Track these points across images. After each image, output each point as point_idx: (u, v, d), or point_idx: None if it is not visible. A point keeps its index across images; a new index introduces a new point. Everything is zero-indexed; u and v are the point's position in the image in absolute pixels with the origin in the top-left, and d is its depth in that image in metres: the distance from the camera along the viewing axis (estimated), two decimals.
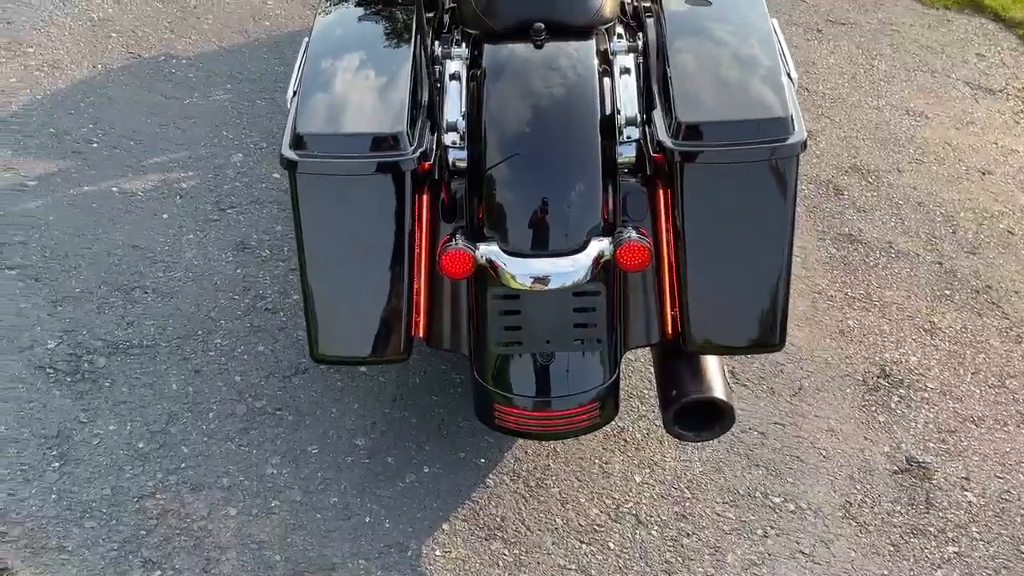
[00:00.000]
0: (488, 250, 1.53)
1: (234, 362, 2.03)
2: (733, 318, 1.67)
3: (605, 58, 1.73)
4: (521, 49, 1.67)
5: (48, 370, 1.93)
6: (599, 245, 1.54)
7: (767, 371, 2.32)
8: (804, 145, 1.56)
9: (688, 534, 1.91)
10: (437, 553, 1.78)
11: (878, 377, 2.36)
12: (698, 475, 2.03)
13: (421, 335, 1.66)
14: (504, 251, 1.53)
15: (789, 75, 1.68)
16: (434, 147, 1.61)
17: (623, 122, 1.59)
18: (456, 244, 1.51)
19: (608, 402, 1.67)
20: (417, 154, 1.53)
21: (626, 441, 2.07)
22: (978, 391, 2.37)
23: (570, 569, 1.80)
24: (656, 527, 1.91)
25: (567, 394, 1.62)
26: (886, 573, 1.91)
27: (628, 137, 1.64)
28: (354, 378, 2.07)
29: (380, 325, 1.62)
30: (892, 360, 2.42)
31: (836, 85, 3.66)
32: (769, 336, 1.66)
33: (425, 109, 1.67)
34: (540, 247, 1.55)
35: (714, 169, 1.56)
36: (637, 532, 1.89)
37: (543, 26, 1.64)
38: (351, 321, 1.63)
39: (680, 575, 1.83)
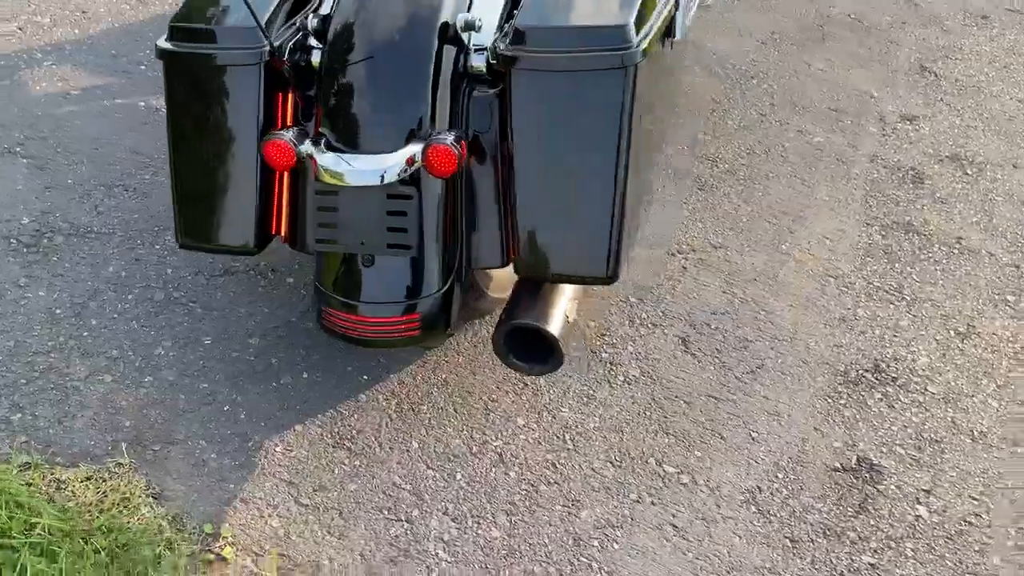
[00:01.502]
0: (310, 144, 1.58)
1: (173, 257, 2.22)
2: (559, 242, 1.63)
3: None
4: None
5: (11, 240, 2.22)
6: (413, 148, 1.54)
7: (728, 344, 2.16)
8: (642, 55, 1.48)
9: (549, 483, 1.83)
10: (278, 449, 1.85)
11: (865, 371, 2.13)
12: (590, 430, 1.94)
13: (283, 236, 1.74)
14: (323, 146, 1.58)
15: None
16: (295, 46, 1.67)
17: (461, 27, 1.57)
18: (278, 134, 1.57)
19: (435, 317, 1.66)
20: (266, 49, 1.61)
21: (525, 384, 2.01)
22: (997, 405, 2.06)
23: (403, 488, 1.80)
24: (516, 469, 1.85)
25: (382, 301, 1.63)
26: (768, 567, 1.71)
27: (477, 44, 1.62)
28: (276, 286, 2.18)
29: (230, 217, 1.73)
30: (893, 357, 2.17)
31: (976, 72, 3.32)
32: (596, 265, 1.60)
33: (301, 9, 1.75)
34: (356, 144, 1.59)
35: (539, 77, 1.53)
36: (494, 470, 1.84)
37: None
38: (206, 211, 1.75)
39: (519, 518, 1.76)
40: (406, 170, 1.54)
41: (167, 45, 1.71)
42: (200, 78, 1.70)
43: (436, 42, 1.59)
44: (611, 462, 1.88)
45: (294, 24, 1.72)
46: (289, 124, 1.71)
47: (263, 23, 1.64)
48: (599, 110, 1.51)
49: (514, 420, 1.95)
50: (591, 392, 2.03)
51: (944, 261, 2.48)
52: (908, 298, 2.35)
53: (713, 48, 3.28)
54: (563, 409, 1.98)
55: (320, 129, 1.63)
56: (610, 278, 1.61)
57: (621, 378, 2.07)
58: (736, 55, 3.26)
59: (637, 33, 1.50)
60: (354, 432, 1.89)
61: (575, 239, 1.61)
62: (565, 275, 1.65)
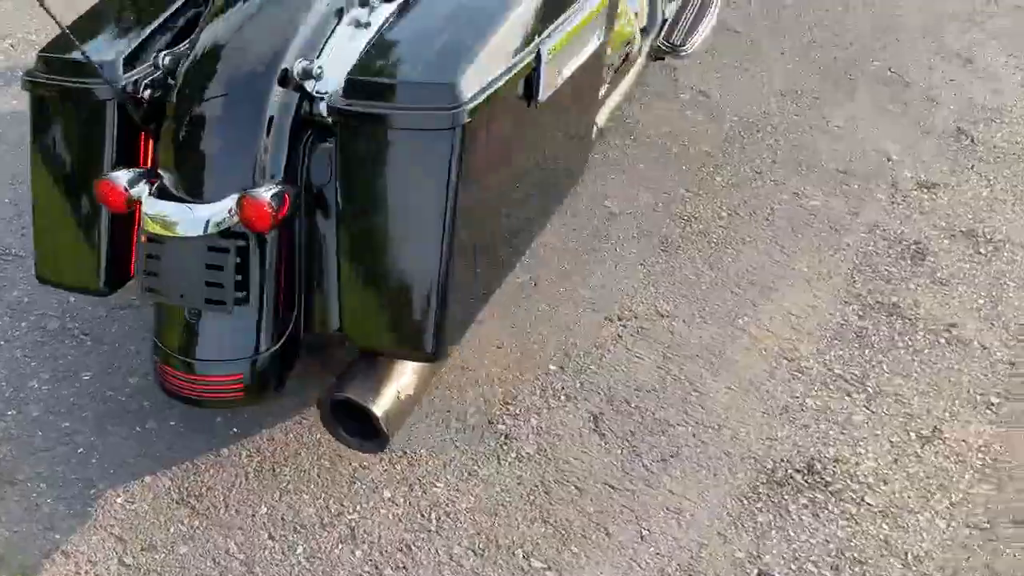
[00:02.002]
0: (141, 188, 1.50)
1: None
2: (382, 313, 1.51)
3: (360, 7, 1.60)
4: None
5: None
6: (231, 200, 1.43)
7: (645, 426, 1.97)
8: (470, 114, 1.34)
9: (396, 567, 1.67)
10: (118, 500, 1.76)
11: (796, 471, 1.90)
12: (461, 510, 1.78)
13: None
14: (155, 190, 1.49)
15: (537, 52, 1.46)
16: (152, 83, 1.60)
17: (298, 74, 1.46)
18: (111, 174, 1.50)
19: (259, 379, 1.54)
20: (119, 86, 1.55)
21: (403, 452, 1.87)
22: (944, 526, 1.81)
23: (236, 558, 1.67)
24: (365, 547, 1.70)
25: (202, 359, 1.53)
26: None
27: (318, 92, 1.50)
28: None
29: (81, 255, 1.67)
30: (833, 457, 1.93)
31: (1021, 140, 3.01)
32: (418, 342, 1.48)
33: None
34: (186, 191, 1.50)
35: (365, 133, 1.41)
36: (340, 546, 1.70)
37: None
38: (60, 247, 1.70)
39: None
40: (224, 222, 1.44)
41: (31, 76, 1.67)
42: (59, 110, 1.65)
43: (272, 89, 1.49)
44: (474, 550, 1.72)
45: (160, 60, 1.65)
46: (145, 164, 1.64)
47: (129, 54, 1.58)
48: (424, 173, 1.38)
49: (380, 492, 1.80)
50: (475, 467, 1.86)
51: (926, 351, 2.21)
52: (870, 390, 2.09)
53: (723, 95, 3.08)
54: (438, 484, 1.83)
55: (159, 171, 1.55)
56: (432, 356, 1.47)
57: (513, 454, 1.90)
58: (747, 105, 3.05)
59: (471, 92, 1.35)
60: (203, 489, 1.79)
61: (397, 312, 1.49)
62: (387, 349, 1.51)
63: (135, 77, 1.58)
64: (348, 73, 1.42)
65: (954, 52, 3.49)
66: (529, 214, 1.73)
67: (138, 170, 1.55)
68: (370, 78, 1.38)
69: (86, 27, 1.69)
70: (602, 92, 2.18)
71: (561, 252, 2.39)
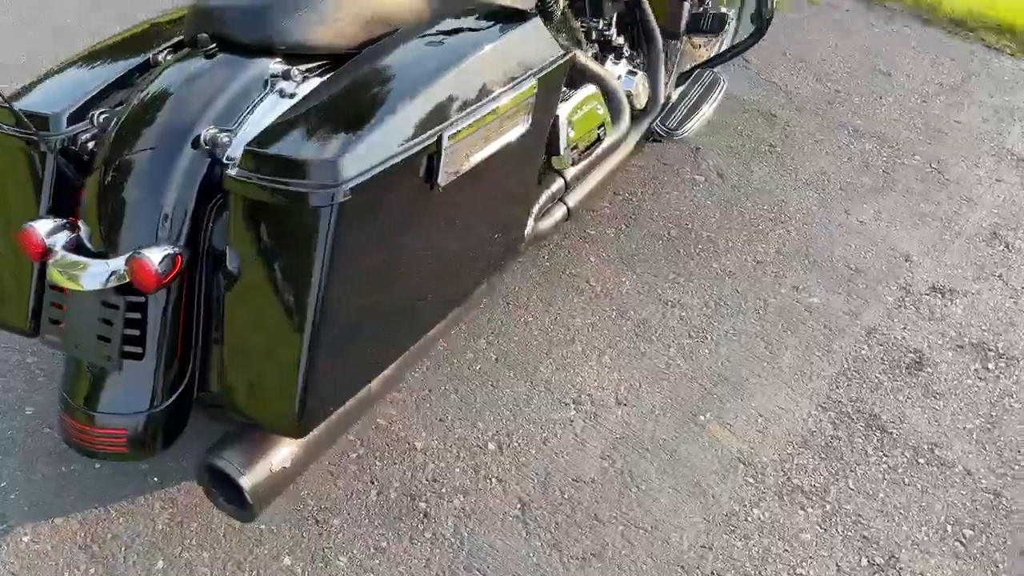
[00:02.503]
0: (56, 236, 1.54)
1: None
2: (252, 383, 1.50)
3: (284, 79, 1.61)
4: (189, 59, 1.63)
5: None
6: (122, 259, 1.46)
7: (574, 519, 1.91)
8: (348, 192, 1.33)
9: None
10: (24, 539, 1.78)
11: None
12: None
13: None
14: (66, 242, 1.53)
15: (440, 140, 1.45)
16: (91, 137, 1.65)
17: (205, 140, 1.48)
18: (32, 223, 1.54)
19: (144, 435, 1.55)
20: (58, 139, 1.60)
21: (317, 521, 1.84)
22: None
23: None
24: None
25: (90, 410, 1.55)
26: None
27: (227, 159, 1.51)
28: None
29: (11, 295, 1.71)
30: None
31: None
32: (280, 414, 1.47)
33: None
34: (92, 245, 1.53)
35: (249, 204, 1.40)
36: None
37: (207, 37, 1.60)
38: None
39: None
40: (117, 279, 1.46)
41: None
42: (8, 156, 1.70)
43: (183, 153, 1.51)
44: None
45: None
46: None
47: (76, 110, 1.63)
48: (299, 248, 1.37)
49: (281, 559, 1.78)
50: (385, 544, 1.82)
51: (900, 469, 2.06)
52: (828, 507, 1.96)
53: (742, 179, 3.00)
54: (342, 558, 1.79)
55: (78, 223, 1.59)
56: (296, 432, 1.45)
57: (429, 534, 1.84)
58: (765, 190, 2.96)
59: (353, 171, 1.34)
60: (109, 536, 1.79)
61: (264, 383, 1.48)
62: (254, 419, 1.49)
63: (74, 132, 1.63)
64: (246, 143, 1.43)
65: (1010, 151, 3.32)
66: (434, 299, 1.70)
67: (61, 221, 1.58)
68: (261, 149, 1.39)
69: (50, 80, 1.75)
70: (572, 173, 2.16)
71: (531, 327, 2.35)
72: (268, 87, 1.58)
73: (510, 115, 1.59)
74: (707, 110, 2.57)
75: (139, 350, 1.52)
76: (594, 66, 2.26)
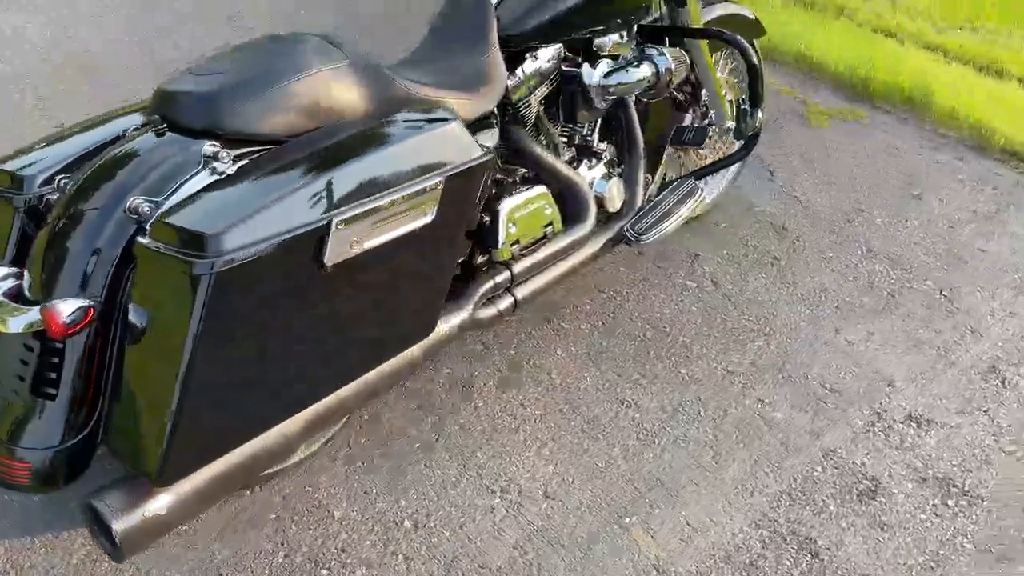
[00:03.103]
0: (3, 283, 1.69)
1: None
2: (129, 428, 1.62)
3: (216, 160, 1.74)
4: (142, 136, 1.77)
5: None
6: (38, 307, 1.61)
7: None
8: (225, 264, 1.45)
9: None
10: None
11: None
12: None
13: None
14: (6, 288, 1.69)
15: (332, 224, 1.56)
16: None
17: (129, 208, 1.63)
18: None
19: (47, 471, 1.67)
20: (26, 197, 1.77)
21: (221, 574, 1.91)
22: None
23: None
24: None
25: (7, 443, 1.67)
26: None
27: (149, 226, 1.65)
28: None
29: None
30: None
31: None
32: (147, 463, 1.58)
33: None
34: (30, 292, 1.68)
35: (142, 268, 1.54)
36: None
37: (159, 118, 1.76)
38: None
39: None
40: (33, 325, 1.59)
41: None
42: None
43: (114, 217, 1.65)
44: None
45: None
46: None
47: (50, 175, 1.79)
48: (177, 313, 1.49)
49: None
50: None
51: None
52: None
53: (735, 288, 3.00)
54: None
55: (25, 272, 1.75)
56: (159, 480, 1.56)
57: None
58: (756, 302, 2.95)
59: (234, 245, 1.46)
60: (27, 565, 1.91)
61: (138, 431, 1.60)
62: (126, 464, 1.60)
63: (40, 193, 1.80)
64: (158, 211, 1.57)
65: None
66: (326, 372, 1.79)
67: (13, 270, 1.74)
68: (165, 220, 1.52)
69: (37, 147, 1.92)
70: (522, 266, 2.23)
71: (479, 412, 2.39)
72: (202, 165, 1.72)
73: (412, 208, 1.69)
74: (677, 219, 2.61)
75: (53, 391, 1.65)
76: (560, 168, 2.35)
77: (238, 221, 1.49)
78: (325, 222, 1.56)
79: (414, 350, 1.97)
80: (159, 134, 1.76)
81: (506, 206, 2.15)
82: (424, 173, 1.71)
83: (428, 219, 1.73)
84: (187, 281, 1.47)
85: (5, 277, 1.71)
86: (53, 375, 1.65)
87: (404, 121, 1.80)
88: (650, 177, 2.73)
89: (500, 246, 2.15)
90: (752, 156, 3.79)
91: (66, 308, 1.56)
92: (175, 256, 1.47)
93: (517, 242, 2.19)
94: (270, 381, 1.67)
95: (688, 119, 2.93)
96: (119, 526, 1.57)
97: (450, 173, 1.75)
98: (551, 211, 2.26)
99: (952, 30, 5.94)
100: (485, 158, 1.82)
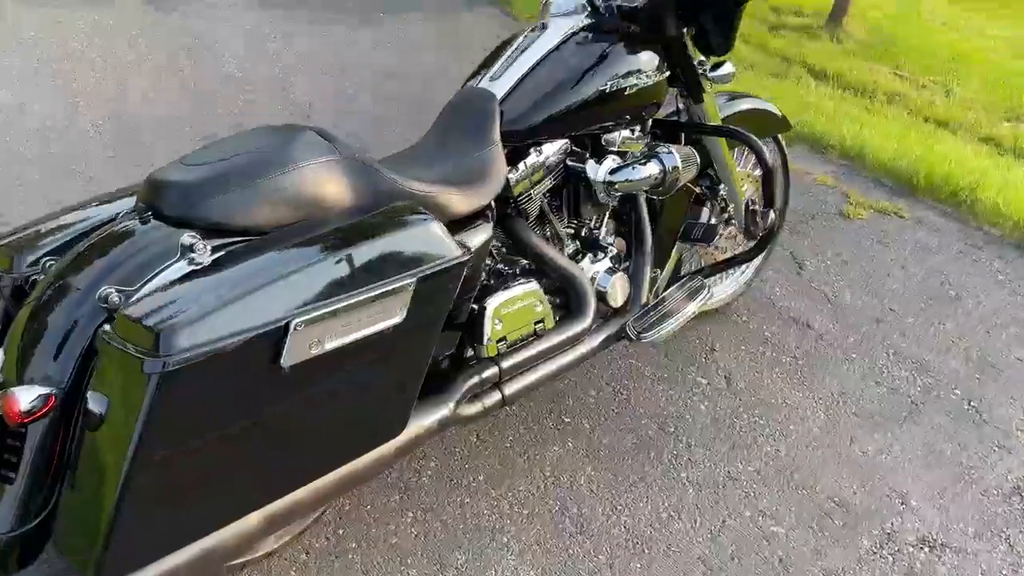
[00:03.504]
0: None
1: None
2: (70, 519, 1.59)
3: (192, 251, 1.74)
4: (127, 223, 1.78)
5: None
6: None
7: None
8: (176, 364, 1.43)
9: None
10: None
11: None
12: None
13: None
14: None
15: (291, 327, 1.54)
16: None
17: (100, 298, 1.63)
18: None
19: (5, 554, 1.65)
20: (13, 278, 1.79)
21: None
22: None
23: None
24: None
25: None
26: None
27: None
28: None
29: None
30: None
31: None
32: (81, 561, 1.55)
33: None
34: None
35: (102, 359, 1.54)
36: None
37: (144, 207, 1.76)
38: None
39: None
40: None
41: None
42: None
43: (85, 304, 1.65)
44: None
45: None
46: None
47: (38, 258, 1.82)
48: (126, 409, 1.48)
49: None
50: None
51: None
52: None
53: (748, 388, 2.90)
54: None
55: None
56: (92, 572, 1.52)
57: None
58: (767, 405, 2.85)
59: (186, 344, 1.44)
60: None
61: (80, 523, 1.56)
62: (66, 557, 1.57)
63: (28, 274, 1.82)
64: (121, 304, 1.56)
65: None
66: (285, 471, 1.74)
67: None
68: (124, 312, 1.51)
69: (32, 228, 1.93)
70: (510, 362, 2.18)
71: (464, 508, 2.32)
72: (179, 256, 1.71)
73: (380, 309, 1.66)
74: (681, 319, 2.54)
75: (12, 475, 1.64)
76: (560, 262, 2.31)
77: (194, 320, 1.47)
78: (283, 324, 1.54)
79: (386, 447, 1.92)
80: (144, 222, 1.76)
81: (493, 303, 2.11)
82: (394, 273, 1.68)
83: (397, 320, 1.70)
84: (139, 377, 1.45)
85: None
86: (13, 459, 1.64)
87: (380, 219, 1.78)
88: (659, 272, 2.67)
89: (485, 343, 2.11)
90: (781, 248, 3.72)
91: (25, 396, 1.56)
92: (128, 352, 1.46)
93: (504, 339, 2.14)
94: (223, 479, 1.63)
95: (705, 214, 2.88)
96: None
97: (422, 274, 1.72)
98: (542, 308, 2.22)
99: (1010, 121, 5.80)
100: (461, 259, 1.79)
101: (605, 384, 2.84)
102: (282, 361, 1.55)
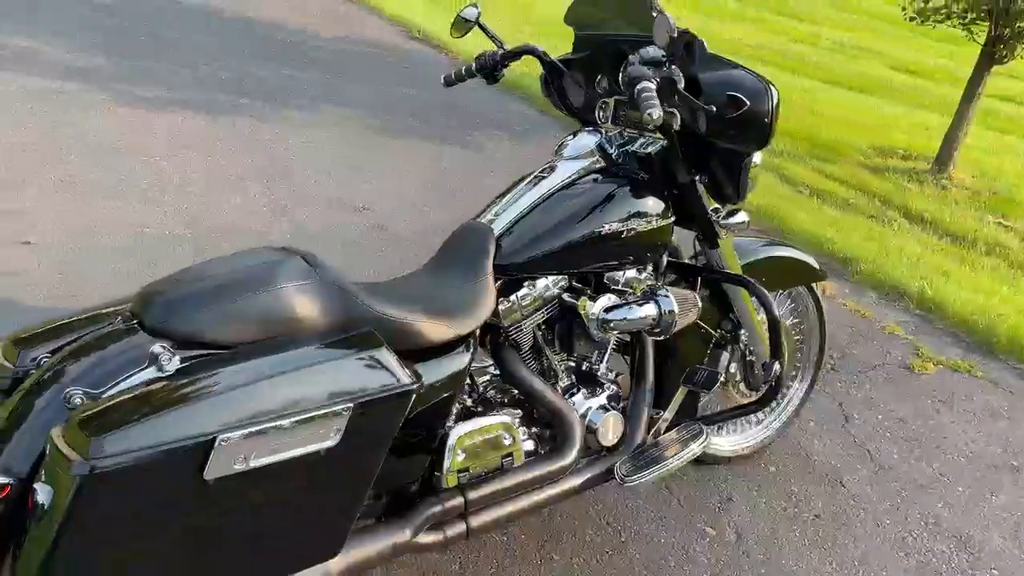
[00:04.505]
0: None
1: None
2: None
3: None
4: (112, 329, 1.88)
5: None
6: None
7: None
8: (93, 469, 1.51)
9: None
10: None
11: None
12: None
13: None
14: None
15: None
16: None
17: (65, 399, 1.71)
18: None
19: None
20: (12, 371, 1.93)
21: None
22: None
23: None
24: None
25: None
26: None
27: None
28: None
29: None
30: None
31: None
32: None
33: None
34: None
35: (49, 456, 1.61)
36: None
37: (130, 314, 1.88)
38: None
39: None
40: None
41: None
42: None
43: (54, 403, 1.74)
44: None
45: None
46: None
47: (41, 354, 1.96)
48: (55, 505, 1.55)
49: None
50: None
51: None
52: None
53: (758, 546, 2.76)
54: None
55: None
56: None
57: None
58: (777, 568, 2.69)
59: (108, 451, 1.51)
60: None
61: None
62: None
63: (27, 369, 1.95)
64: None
65: None
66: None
67: None
68: (75, 413, 1.61)
69: (47, 325, 2.09)
70: (478, 494, 2.17)
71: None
72: (147, 363, 1.82)
73: (312, 431, 1.70)
74: (670, 465, 2.45)
75: None
76: (547, 396, 2.30)
77: (126, 426, 1.56)
78: (209, 438, 1.60)
79: (328, 567, 1.93)
80: (129, 330, 1.88)
81: (456, 432, 2.12)
82: (333, 397, 1.73)
83: (330, 443, 1.73)
84: (66, 477, 1.53)
85: None
86: None
87: (333, 343, 1.84)
88: (662, 413, 2.61)
89: (445, 472, 2.11)
90: (830, 399, 3.58)
91: None
92: (62, 452, 1.55)
93: (466, 470, 2.14)
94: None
95: (724, 358, 2.81)
96: None
97: (361, 399, 1.75)
98: (510, 442, 2.21)
99: None
100: (405, 388, 1.81)
101: (606, 523, 2.76)
102: (205, 474, 1.61)
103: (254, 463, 1.65)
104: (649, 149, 2.46)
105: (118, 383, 1.78)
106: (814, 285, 3.05)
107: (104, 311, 2.04)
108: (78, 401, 1.73)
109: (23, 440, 1.75)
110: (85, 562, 1.57)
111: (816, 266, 2.96)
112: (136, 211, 4.39)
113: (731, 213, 2.56)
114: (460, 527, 2.16)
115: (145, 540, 1.63)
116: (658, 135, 2.45)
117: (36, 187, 4.44)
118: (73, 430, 1.58)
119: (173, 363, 1.75)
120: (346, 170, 5.41)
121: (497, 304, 2.26)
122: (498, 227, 2.31)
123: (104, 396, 1.72)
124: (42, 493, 1.63)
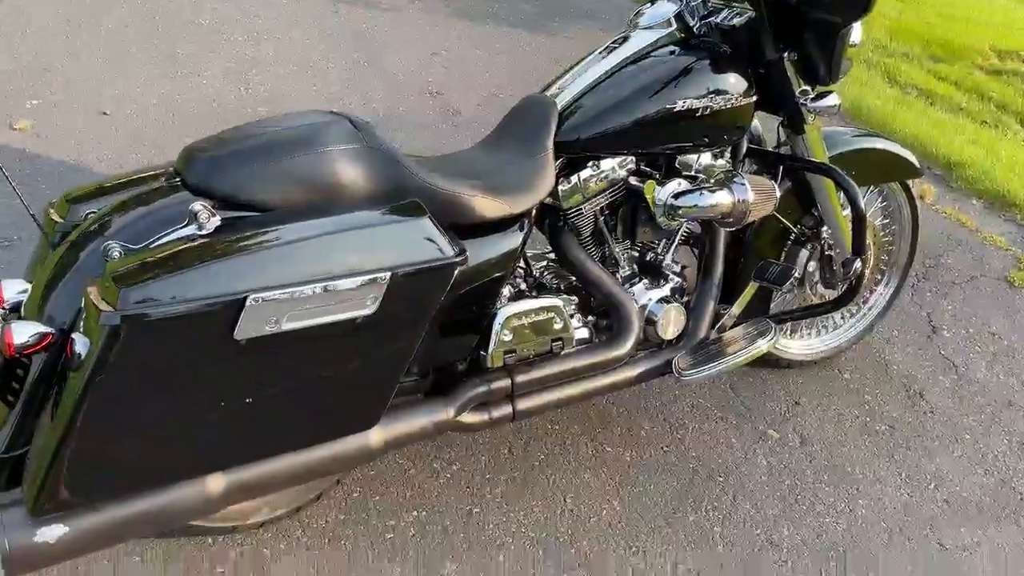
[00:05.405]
0: (13, 295, 1.83)
1: None
2: (30, 451, 1.67)
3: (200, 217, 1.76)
4: (155, 185, 1.84)
5: None
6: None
7: None
8: (125, 319, 1.47)
9: None
10: None
11: None
12: None
13: None
14: (12, 301, 1.83)
15: None
16: None
17: (104, 251, 1.69)
18: (4, 280, 1.85)
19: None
20: (59, 225, 1.88)
21: None
22: None
23: None
24: None
25: None
26: None
27: None
28: None
29: None
30: None
31: None
32: (28, 489, 1.64)
33: None
34: (21, 311, 1.81)
35: (85, 306, 1.58)
36: None
37: (173, 172, 1.84)
38: None
39: None
40: None
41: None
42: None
43: (93, 256, 1.71)
44: None
45: None
46: None
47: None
48: (88, 354, 1.52)
49: None
50: None
51: None
52: None
53: (822, 450, 2.62)
54: None
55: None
56: (33, 510, 1.61)
57: None
58: (841, 473, 2.56)
59: (138, 299, 1.47)
60: None
61: (33, 456, 1.64)
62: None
63: (76, 223, 1.90)
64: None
65: None
66: (226, 442, 1.73)
67: (26, 286, 1.88)
68: (110, 266, 1.57)
69: (99, 184, 2.03)
70: (527, 376, 2.09)
71: (469, 519, 2.24)
72: (187, 221, 1.76)
73: (348, 298, 1.62)
74: (730, 361, 2.31)
75: (13, 399, 1.75)
76: (605, 284, 2.19)
77: (158, 280, 1.51)
78: (240, 297, 1.54)
79: (369, 437, 1.89)
80: (172, 187, 1.84)
81: (505, 312, 2.02)
82: (368, 265, 1.64)
83: (367, 312, 1.66)
84: (97, 328, 1.50)
85: (21, 292, 1.86)
86: (16, 386, 1.75)
87: (375, 210, 1.74)
88: (729, 308, 2.47)
89: (491, 351, 2.03)
90: (918, 308, 3.36)
91: (21, 332, 1.65)
92: (93, 302, 1.52)
93: (513, 351, 2.05)
94: (172, 437, 1.65)
95: (803, 256, 2.63)
96: (6, 543, 1.62)
97: (401, 270, 1.67)
98: (561, 326, 2.10)
99: None
100: (448, 260, 1.72)
101: (662, 420, 2.66)
102: (236, 333, 1.55)
103: (287, 326, 1.59)
104: (734, 20, 2.25)
105: (158, 239, 1.74)
106: (910, 184, 2.81)
107: (155, 172, 1.99)
108: (116, 254, 1.69)
109: (65, 291, 1.74)
110: (114, 413, 1.55)
111: (914, 161, 2.72)
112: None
113: (821, 96, 2.34)
114: (506, 409, 2.10)
115: (176, 397, 1.60)
116: (745, 5, 2.24)
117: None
118: (107, 282, 1.54)
119: (212, 222, 1.69)
120: (427, 55, 5.28)
121: (557, 184, 2.14)
122: (562, 101, 2.17)
123: (138, 250, 1.68)
124: (79, 343, 1.61)
